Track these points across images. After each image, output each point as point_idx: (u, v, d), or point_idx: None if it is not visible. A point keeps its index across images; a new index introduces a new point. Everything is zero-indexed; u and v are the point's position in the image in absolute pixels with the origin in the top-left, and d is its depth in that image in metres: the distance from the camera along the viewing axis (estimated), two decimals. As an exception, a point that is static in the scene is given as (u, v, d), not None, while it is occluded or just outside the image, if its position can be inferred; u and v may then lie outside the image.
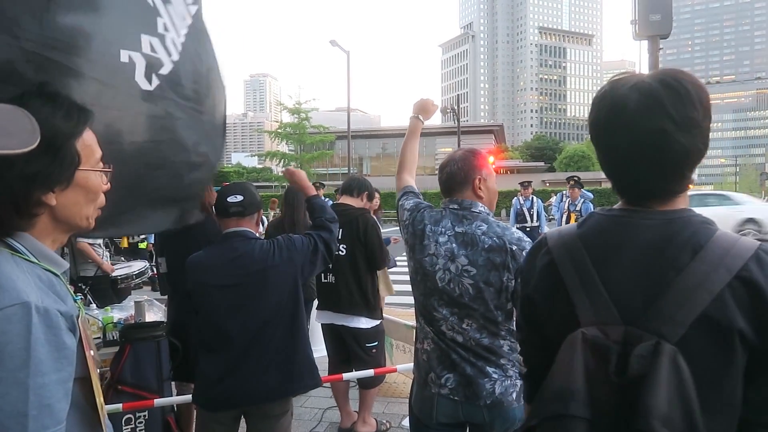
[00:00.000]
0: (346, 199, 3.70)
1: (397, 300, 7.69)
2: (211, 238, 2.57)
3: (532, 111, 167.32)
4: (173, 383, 3.10)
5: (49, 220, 1.03)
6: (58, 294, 0.99)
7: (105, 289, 5.13)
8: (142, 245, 8.78)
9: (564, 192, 9.61)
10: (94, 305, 4.03)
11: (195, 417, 2.78)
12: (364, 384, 3.66)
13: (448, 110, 35.41)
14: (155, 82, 1.77)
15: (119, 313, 3.46)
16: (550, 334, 1.08)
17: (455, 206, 2.05)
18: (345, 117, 28.96)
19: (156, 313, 3.49)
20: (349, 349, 3.61)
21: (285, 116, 35.18)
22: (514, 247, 1.93)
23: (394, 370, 3.73)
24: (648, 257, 0.98)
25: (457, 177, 2.05)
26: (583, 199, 8.84)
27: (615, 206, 1.10)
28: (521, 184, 10.17)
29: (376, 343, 3.63)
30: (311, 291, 3.98)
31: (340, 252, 3.52)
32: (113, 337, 3.02)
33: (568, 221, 8.75)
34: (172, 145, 1.95)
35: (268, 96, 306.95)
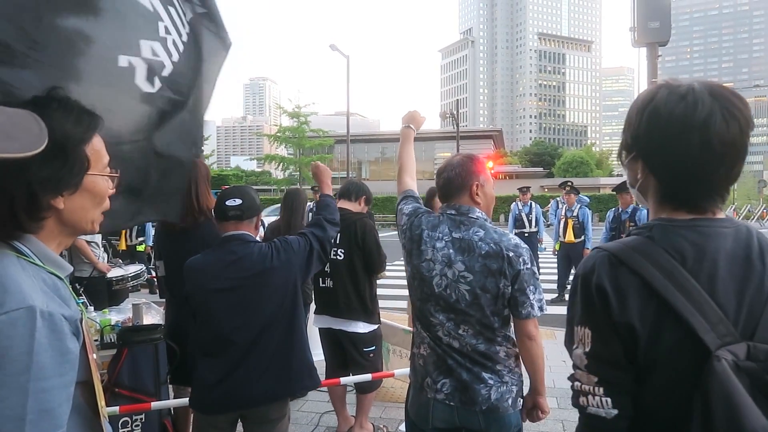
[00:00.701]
0: (343, 204, 3.70)
1: (395, 305, 7.69)
2: (209, 242, 2.57)
3: (531, 116, 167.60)
4: (170, 386, 3.09)
5: (55, 223, 1.04)
6: (62, 298, 1.00)
7: (100, 291, 5.11)
8: (140, 248, 8.77)
9: (559, 198, 9.60)
10: (91, 308, 4.03)
11: (192, 420, 2.77)
12: (362, 388, 3.66)
13: (447, 115, 35.46)
14: (158, 84, 1.79)
15: (117, 315, 3.45)
16: (656, 364, 0.98)
17: (452, 212, 2.05)
18: (344, 121, 28.99)
19: (154, 316, 3.48)
20: (347, 354, 3.61)
21: (284, 120, 35.22)
22: (511, 254, 1.93)
23: (392, 375, 3.73)
24: (740, 268, 0.97)
25: (454, 182, 2.06)
26: (579, 205, 8.84)
27: (667, 215, 1.05)
28: (520, 189, 10.17)
29: (373, 347, 3.63)
30: (307, 295, 3.98)
31: (338, 257, 3.52)
32: (111, 339, 3.02)
33: (565, 228, 8.73)
34: (153, 141, 2.01)
35: (267, 99, 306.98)
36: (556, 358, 4.94)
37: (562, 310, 1.22)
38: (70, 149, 1.00)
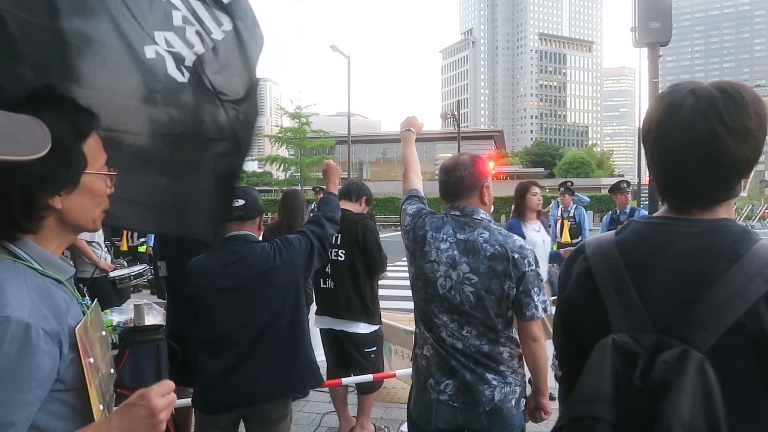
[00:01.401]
0: (344, 205, 3.70)
1: (397, 305, 7.69)
2: (211, 243, 2.58)
3: (532, 117, 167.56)
4: (172, 387, 3.09)
5: (55, 223, 1.03)
6: (54, 306, 0.98)
7: (106, 290, 5.12)
8: (142, 248, 8.78)
9: (558, 199, 9.62)
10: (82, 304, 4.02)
11: (194, 421, 2.78)
12: (363, 389, 3.66)
13: (448, 116, 35.46)
14: (186, 74, 1.76)
15: (118, 316, 3.45)
16: (584, 339, 1.09)
17: (457, 213, 2.04)
18: (345, 122, 29.01)
19: (155, 317, 3.48)
20: (348, 355, 3.61)
21: (285, 121, 35.23)
22: (516, 255, 1.92)
23: (393, 375, 3.73)
24: (685, 265, 0.99)
25: (466, 182, 2.04)
26: (575, 205, 8.85)
27: (656, 214, 1.11)
28: (521, 190, 10.16)
29: (374, 348, 3.63)
30: (308, 295, 3.98)
31: (339, 257, 3.53)
32: (113, 340, 3.02)
33: (561, 228, 8.75)
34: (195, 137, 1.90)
35: (268, 100, 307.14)
36: (557, 359, 4.93)
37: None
38: (66, 148, 0.99)
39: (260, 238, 2.50)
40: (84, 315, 1.06)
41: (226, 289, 2.31)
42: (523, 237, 3.78)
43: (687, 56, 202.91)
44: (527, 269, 1.93)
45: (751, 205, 37.78)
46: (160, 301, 4.41)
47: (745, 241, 0.97)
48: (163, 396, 1.02)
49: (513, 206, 4.58)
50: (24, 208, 0.96)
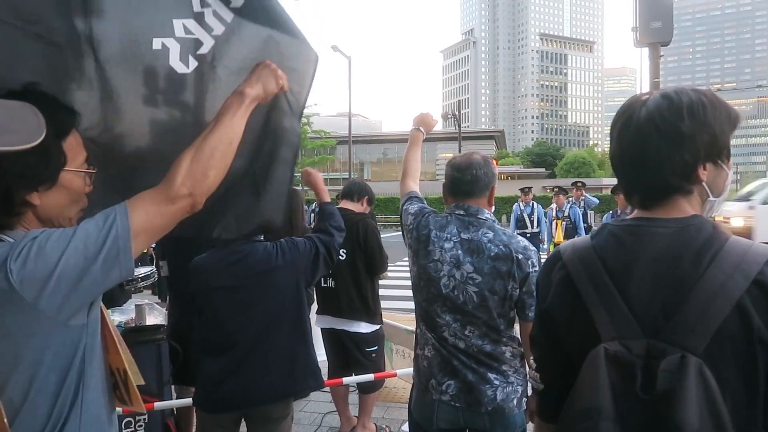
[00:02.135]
0: (346, 204, 3.71)
1: (398, 305, 7.69)
2: (213, 243, 2.58)
3: (532, 117, 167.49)
4: (173, 387, 3.10)
5: (34, 219, 1.04)
6: None
7: (113, 291, 5.12)
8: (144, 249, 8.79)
9: (571, 198, 9.63)
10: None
11: (195, 421, 2.78)
12: (364, 389, 3.66)
13: (449, 116, 35.46)
14: (192, 63, 1.70)
15: (120, 316, 3.46)
16: (569, 349, 1.07)
17: (461, 212, 2.04)
18: (346, 122, 29.00)
19: (156, 317, 3.49)
20: (349, 354, 3.61)
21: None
22: (520, 256, 1.93)
23: (394, 375, 3.74)
24: (664, 267, 0.98)
25: (481, 182, 2.04)
26: (569, 205, 8.87)
27: (629, 215, 1.11)
28: (521, 190, 10.18)
29: (375, 347, 3.63)
30: (309, 295, 3.98)
31: (340, 257, 3.53)
32: (114, 340, 3.02)
33: (556, 228, 8.79)
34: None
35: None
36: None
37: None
38: (46, 144, 0.99)
39: (261, 237, 2.50)
40: None
41: (228, 288, 2.31)
42: None
43: (688, 56, 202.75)
44: (531, 270, 1.93)
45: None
46: (161, 301, 4.41)
47: (717, 238, 0.98)
48: None
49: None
50: (2, 204, 0.97)
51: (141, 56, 1.60)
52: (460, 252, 1.97)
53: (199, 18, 1.68)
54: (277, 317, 2.32)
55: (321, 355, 4.02)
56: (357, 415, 3.76)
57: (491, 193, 2.07)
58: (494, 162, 2.15)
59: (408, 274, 2.19)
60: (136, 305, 3.29)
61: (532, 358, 1.23)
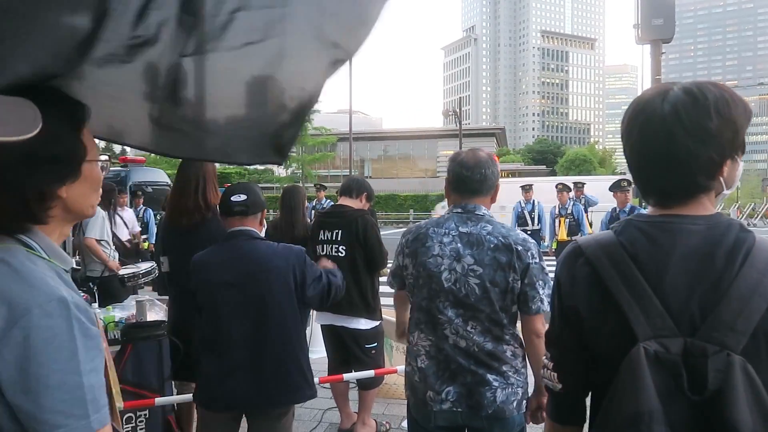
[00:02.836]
0: (345, 201, 3.71)
1: (398, 302, 7.70)
2: (215, 239, 2.59)
3: (533, 114, 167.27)
4: (174, 383, 3.11)
5: (60, 212, 1.06)
6: (73, 289, 1.02)
7: (116, 288, 5.16)
8: (144, 245, 8.80)
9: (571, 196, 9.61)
10: (95, 304, 4.04)
11: (195, 417, 2.79)
12: (364, 385, 3.67)
13: (450, 113, 35.42)
14: None
15: (121, 312, 3.47)
16: (597, 348, 1.04)
17: (459, 210, 2.05)
18: (347, 119, 28.97)
19: (157, 313, 3.50)
20: (349, 351, 3.62)
21: (287, 118, 35.05)
22: (520, 248, 1.94)
23: (395, 371, 3.74)
24: (698, 264, 0.97)
25: (489, 181, 2.05)
26: (572, 202, 8.85)
27: (649, 212, 1.09)
28: (522, 187, 10.18)
29: (375, 344, 3.64)
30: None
31: (339, 253, 3.53)
32: (115, 336, 3.03)
33: (559, 226, 8.77)
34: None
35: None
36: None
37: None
38: (69, 138, 1.03)
39: (263, 235, 2.51)
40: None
41: (228, 285, 2.32)
42: None
43: (690, 54, 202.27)
44: (531, 261, 1.94)
45: (753, 204, 37.70)
46: (162, 297, 4.42)
47: (746, 237, 0.98)
48: None
49: None
50: (38, 199, 1.00)
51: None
52: (459, 245, 1.97)
53: None
54: (276, 317, 2.32)
55: (321, 352, 4.04)
56: (357, 411, 3.77)
57: (495, 192, 2.08)
58: (496, 159, 2.16)
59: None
60: (136, 301, 3.30)
61: (545, 357, 1.20)
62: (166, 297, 3.47)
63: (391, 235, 6.66)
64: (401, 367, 3.73)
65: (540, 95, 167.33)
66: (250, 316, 2.31)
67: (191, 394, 2.68)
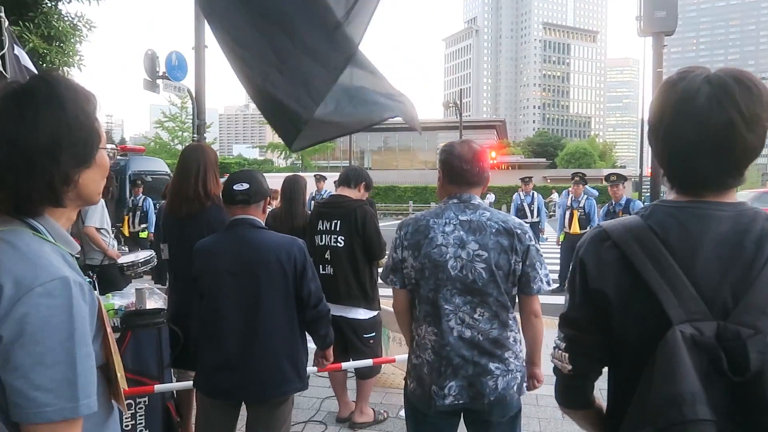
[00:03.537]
0: (343, 191, 3.71)
1: (396, 293, 7.71)
2: (215, 227, 2.60)
3: (534, 107, 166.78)
4: (173, 370, 3.12)
5: (72, 197, 1.08)
6: (77, 272, 1.04)
7: (115, 276, 5.17)
8: (143, 234, 8.81)
9: (569, 189, 9.57)
10: (96, 292, 4.05)
11: (195, 404, 2.81)
12: (361, 374, 3.69)
13: (451, 105, 35.32)
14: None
15: (120, 300, 3.48)
16: (626, 333, 1.04)
17: (455, 200, 2.09)
18: (347, 110, 28.82)
19: (156, 301, 3.51)
20: (347, 340, 3.63)
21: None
22: (519, 231, 2.01)
23: (393, 361, 3.76)
24: (729, 250, 0.98)
25: (485, 173, 2.13)
26: (586, 196, 8.77)
27: (675, 198, 1.08)
28: (522, 179, 10.18)
29: (373, 334, 3.66)
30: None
31: (338, 244, 3.54)
32: (114, 323, 3.04)
33: (570, 218, 8.67)
34: None
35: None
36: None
37: (563, 300, 1.24)
38: (88, 125, 1.06)
39: (264, 224, 2.51)
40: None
41: (229, 271, 2.33)
42: None
43: (692, 47, 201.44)
44: (530, 243, 2.02)
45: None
46: (161, 286, 4.44)
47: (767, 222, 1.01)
48: None
49: None
50: (63, 183, 1.03)
51: None
52: (462, 233, 2.01)
53: None
54: (274, 306, 2.34)
55: (320, 341, 4.05)
56: (355, 400, 3.80)
57: (487, 182, 2.16)
58: (486, 150, 2.23)
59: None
60: (136, 289, 3.31)
61: (557, 338, 1.20)
62: (165, 286, 3.48)
63: (391, 227, 6.67)
64: (399, 357, 3.76)
65: (541, 88, 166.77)
66: (245, 306, 2.32)
67: (191, 382, 2.69)
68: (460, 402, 1.99)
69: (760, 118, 1.00)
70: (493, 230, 1.99)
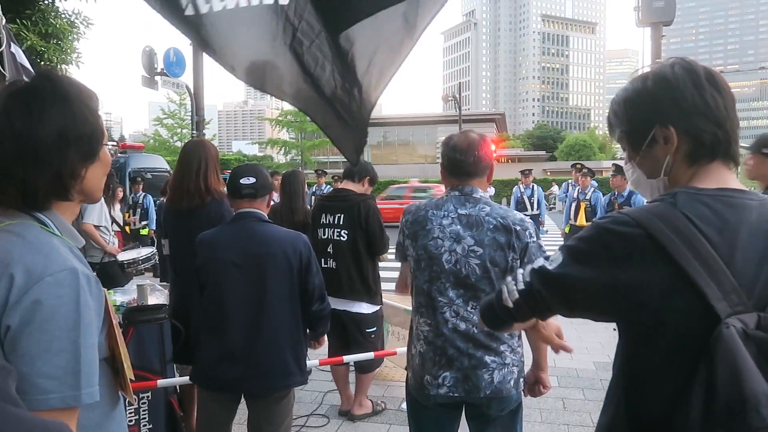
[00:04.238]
0: (347, 185, 3.71)
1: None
2: (215, 222, 2.61)
3: (533, 100, 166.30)
4: (176, 366, 3.14)
5: (79, 191, 1.10)
6: (84, 264, 1.06)
7: (116, 273, 5.19)
8: (144, 231, 8.82)
9: (570, 181, 9.51)
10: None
11: (196, 395, 2.82)
12: (361, 368, 3.70)
13: (450, 98, 35.25)
14: None
15: (122, 296, 3.49)
16: (660, 325, 0.99)
17: (456, 192, 2.07)
18: (346, 104, 28.74)
19: (158, 298, 3.52)
20: (350, 334, 3.64)
21: (286, 104, 34.86)
22: (518, 227, 1.97)
23: (395, 353, 3.77)
24: (760, 240, 0.98)
25: (483, 162, 2.07)
26: (593, 189, 8.74)
27: (702, 186, 1.05)
28: (522, 172, 10.17)
29: (375, 328, 3.67)
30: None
31: (341, 238, 3.54)
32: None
33: (577, 211, 8.61)
34: None
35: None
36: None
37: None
38: (93, 121, 1.08)
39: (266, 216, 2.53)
40: None
41: (233, 264, 2.33)
42: None
43: (691, 37, 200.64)
44: (529, 240, 1.97)
45: (753, 189, 37.71)
46: (162, 283, 4.44)
47: None
48: None
49: None
50: (71, 176, 1.06)
51: None
52: (459, 227, 1.99)
53: None
54: (277, 300, 2.34)
55: (321, 335, 4.07)
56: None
57: (491, 172, 2.10)
58: (490, 141, 2.17)
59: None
60: (137, 285, 3.32)
61: (523, 279, 1.15)
62: (167, 283, 3.48)
63: (390, 221, 6.68)
64: (402, 350, 3.77)
65: (540, 80, 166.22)
66: (250, 299, 2.32)
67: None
68: (456, 395, 1.98)
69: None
70: (491, 226, 1.96)
